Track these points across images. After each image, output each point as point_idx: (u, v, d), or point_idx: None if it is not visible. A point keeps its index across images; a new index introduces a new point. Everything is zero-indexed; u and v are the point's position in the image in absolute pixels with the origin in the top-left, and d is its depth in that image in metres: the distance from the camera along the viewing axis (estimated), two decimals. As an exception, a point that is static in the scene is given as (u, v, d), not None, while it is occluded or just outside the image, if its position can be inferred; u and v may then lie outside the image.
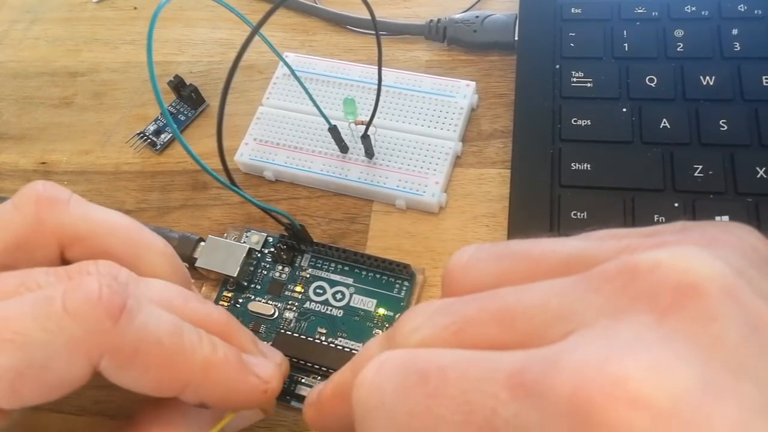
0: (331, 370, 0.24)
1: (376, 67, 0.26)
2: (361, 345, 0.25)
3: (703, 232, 0.13)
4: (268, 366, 0.21)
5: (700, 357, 0.11)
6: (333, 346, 0.25)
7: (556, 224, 0.26)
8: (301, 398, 0.24)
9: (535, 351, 0.12)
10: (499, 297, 0.14)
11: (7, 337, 0.16)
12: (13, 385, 0.16)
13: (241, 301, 0.27)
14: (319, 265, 0.28)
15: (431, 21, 0.34)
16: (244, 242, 0.28)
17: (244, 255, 0.27)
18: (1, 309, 0.16)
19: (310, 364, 0.24)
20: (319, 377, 0.25)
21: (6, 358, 0.16)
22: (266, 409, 0.22)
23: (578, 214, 0.26)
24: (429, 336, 0.14)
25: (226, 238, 0.28)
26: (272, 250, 0.28)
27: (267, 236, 0.29)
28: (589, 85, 0.30)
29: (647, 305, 0.11)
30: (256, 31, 0.20)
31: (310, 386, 0.25)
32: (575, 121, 0.29)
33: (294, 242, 0.27)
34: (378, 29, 0.25)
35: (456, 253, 0.16)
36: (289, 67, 0.28)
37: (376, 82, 0.27)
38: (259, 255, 0.28)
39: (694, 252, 0.12)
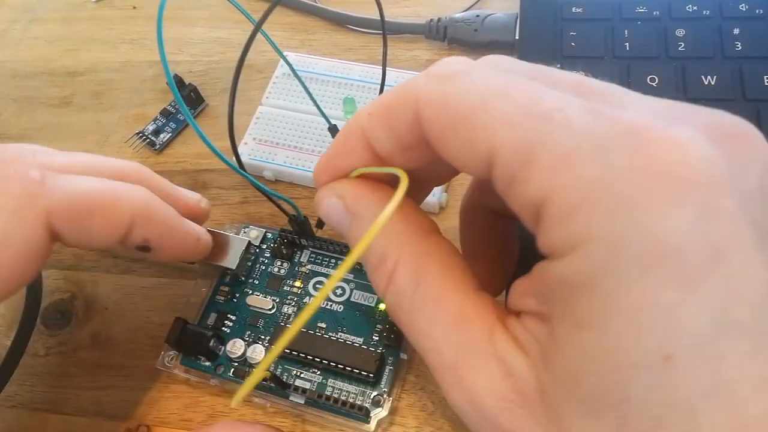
0: (332, 364, 0.24)
1: (377, 67, 0.26)
2: (362, 340, 0.25)
3: None
4: (197, 225, 0.25)
5: (729, 168, 0.13)
6: (335, 339, 0.25)
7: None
8: (300, 391, 0.24)
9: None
10: (579, 75, 0.16)
11: None
12: None
13: (238, 295, 0.27)
14: (319, 261, 0.28)
15: (432, 20, 0.34)
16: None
17: (244, 248, 0.27)
18: None
19: (310, 357, 0.24)
20: (319, 371, 0.25)
21: None
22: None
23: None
24: (506, 72, 0.16)
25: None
26: (271, 245, 0.28)
27: (266, 232, 0.29)
28: (590, 84, 0.29)
29: (703, 126, 0.14)
30: (258, 28, 0.20)
31: (310, 380, 0.25)
32: (576, 120, 0.29)
33: (295, 236, 0.27)
34: (379, 28, 0.25)
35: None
36: (290, 66, 0.28)
37: (376, 81, 0.27)
38: (257, 250, 0.28)
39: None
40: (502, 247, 0.22)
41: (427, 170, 0.19)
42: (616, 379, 0.13)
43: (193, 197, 0.26)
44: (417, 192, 0.21)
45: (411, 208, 0.19)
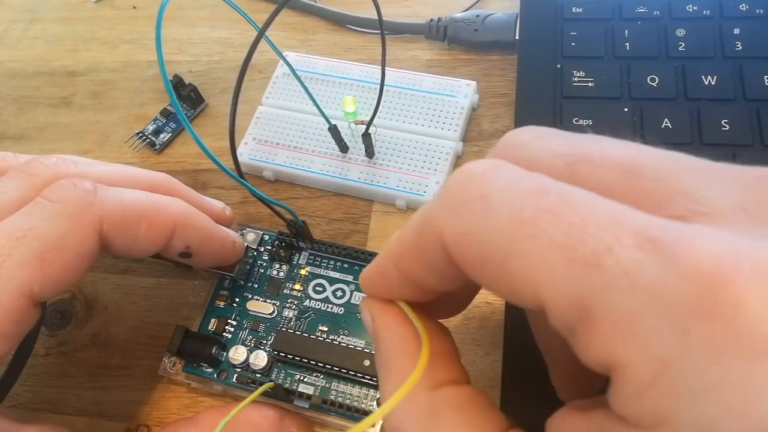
0: (335, 368, 0.24)
1: (376, 67, 0.26)
2: (364, 342, 0.25)
3: None
4: (229, 230, 0.26)
5: None
6: (336, 343, 0.25)
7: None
8: (303, 397, 0.24)
9: (666, 219, 0.11)
10: (628, 147, 0.13)
11: (20, 235, 0.20)
12: (42, 270, 0.20)
13: (238, 300, 0.27)
14: (318, 263, 0.28)
15: (432, 20, 0.34)
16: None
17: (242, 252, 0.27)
18: (7, 222, 0.20)
19: (313, 362, 0.24)
20: (322, 375, 0.25)
21: (27, 250, 0.19)
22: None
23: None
24: (539, 157, 0.13)
25: None
26: (269, 248, 0.28)
27: (263, 234, 0.28)
28: (590, 84, 0.29)
29: None
30: (262, 33, 0.20)
31: (313, 385, 0.25)
32: (576, 120, 0.29)
33: (293, 239, 0.27)
34: (380, 28, 0.25)
35: (514, 132, 0.15)
36: (291, 67, 0.28)
37: (376, 81, 0.27)
38: (255, 253, 0.28)
39: None
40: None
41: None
42: None
43: (218, 205, 0.27)
44: (464, 297, 0.20)
45: (441, 351, 0.17)
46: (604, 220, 0.12)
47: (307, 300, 0.27)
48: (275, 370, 0.25)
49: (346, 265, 0.27)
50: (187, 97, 0.34)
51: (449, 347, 0.17)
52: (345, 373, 0.24)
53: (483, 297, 0.26)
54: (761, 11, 0.30)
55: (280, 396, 0.24)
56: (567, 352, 0.15)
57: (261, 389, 0.23)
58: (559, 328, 0.13)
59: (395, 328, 0.17)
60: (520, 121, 0.29)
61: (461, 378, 0.17)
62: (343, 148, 0.30)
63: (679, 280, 0.11)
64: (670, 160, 0.13)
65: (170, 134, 0.34)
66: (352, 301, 0.26)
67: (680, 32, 0.30)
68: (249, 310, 0.27)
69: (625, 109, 0.28)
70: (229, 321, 0.27)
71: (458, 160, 0.30)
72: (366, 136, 0.29)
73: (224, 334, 0.26)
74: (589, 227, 0.12)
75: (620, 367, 0.11)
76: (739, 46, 0.29)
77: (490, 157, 0.14)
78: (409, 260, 0.16)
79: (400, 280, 0.16)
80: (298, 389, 0.25)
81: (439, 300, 0.17)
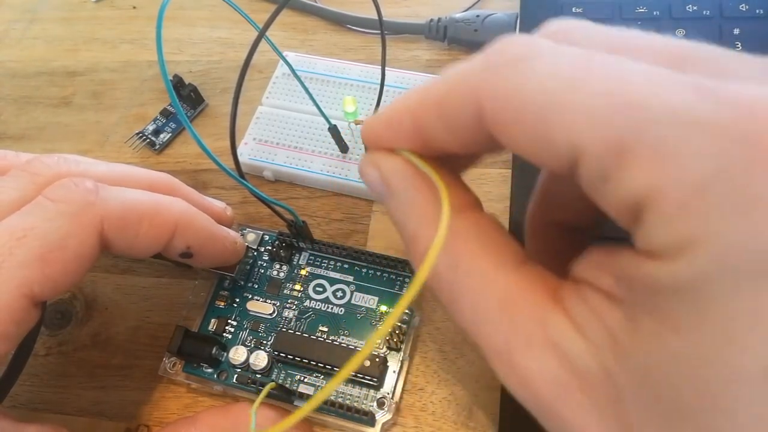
0: (335, 369, 0.24)
1: (376, 67, 0.26)
2: (364, 343, 0.25)
3: None
4: (230, 230, 0.26)
5: None
6: (337, 343, 0.25)
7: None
8: (304, 398, 0.24)
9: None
10: (668, 38, 0.14)
11: (21, 234, 0.19)
12: (43, 271, 0.20)
13: (238, 300, 0.27)
14: (318, 263, 0.28)
15: (432, 20, 0.34)
16: (242, 241, 0.28)
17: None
18: (8, 221, 0.20)
19: (313, 363, 0.24)
20: (322, 376, 0.25)
21: (28, 250, 0.19)
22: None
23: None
24: (582, 39, 0.14)
25: None
26: (269, 248, 0.28)
27: (263, 234, 0.28)
28: (590, 84, 0.29)
29: None
30: (262, 34, 0.20)
31: (314, 385, 0.25)
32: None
33: (293, 240, 0.27)
34: (380, 28, 0.25)
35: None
36: (291, 67, 0.28)
37: (376, 81, 0.27)
38: (255, 253, 0.28)
39: None
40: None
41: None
42: (711, 390, 0.12)
43: (219, 205, 0.27)
44: (465, 162, 0.20)
45: (452, 183, 0.17)
46: (646, 72, 0.12)
47: (308, 300, 0.27)
48: (275, 370, 0.25)
49: (346, 266, 0.27)
50: (187, 97, 0.34)
51: (457, 177, 0.18)
52: None
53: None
54: (761, 11, 0.30)
55: (281, 396, 0.24)
56: (561, 252, 0.17)
57: (265, 390, 0.23)
58: (588, 180, 0.13)
59: (408, 177, 0.17)
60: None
61: (477, 204, 0.17)
62: (343, 148, 0.30)
63: (719, 112, 0.11)
64: (715, 50, 0.14)
65: (170, 134, 0.34)
66: (353, 301, 0.26)
67: (680, 32, 0.30)
68: (249, 311, 0.27)
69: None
70: (229, 321, 0.27)
71: (458, 160, 0.30)
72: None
73: (224, 334, 0.26)
74: (633, 77, 0.12)
75: (654, 194, 0.12)
76: (740, 47, 0.29)
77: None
78: (431, 115, 0.15)
79: (412, 133, 0.16)
80: (299, 389, 0.25)
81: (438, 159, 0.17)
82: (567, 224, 0.19)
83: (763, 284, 0.11)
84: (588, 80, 0.13)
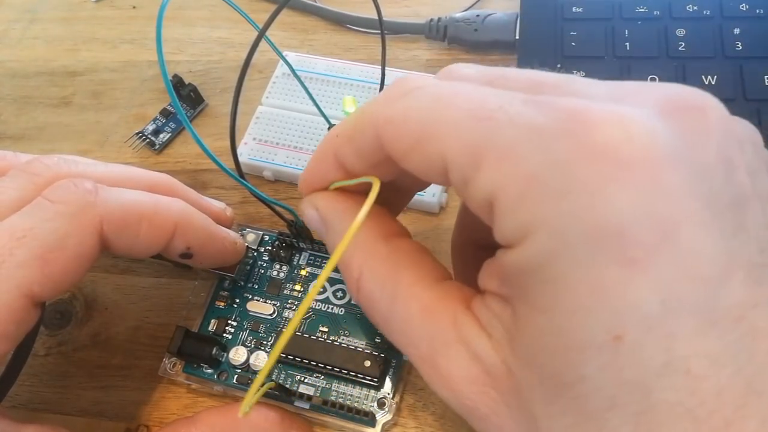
0: (335, 369, 0.24)
1: (376, 67, 0.26)
2: (365, 343, 0.25)
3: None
4: (230, 230, 0.26)
5: (681, 140, 0.13)
6: (337, 344, 0.25)
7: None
8: (304, 398, 0.24)
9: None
10: (535, 71, 0.17)
11: (21, 235, 0.20)
12: (42, 271, 0.20)
13: (238, 300, 0.27)
14: (318, 263, 0.27)
15: (432, 20, 0.34)
16: (241, 241, 0.28)
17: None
18: (8, 222, 0.20)
19: (314, 363, 0.24)
20: (323, 376, 0.25)
21: (28, 250, 0.19)
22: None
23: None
24: (465, 76, 0.17)
25: None
26: (269, 248, 0.28)
27: (263, 234, 0.28)
28: (590, 84, 0.29)
29: (654, 101, 0.14)
30: (262, 34, 0.20)
31: (314, 386, 0.25)
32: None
33: (293, 240, 0.27)
34: (380, 28, 0.25)
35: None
36: (290, 67, 0.27)
37: (376, 81, 0.27)
38: (255, 254, 0.28)
39: (712, 98, 0.15)
40: None
41: (403, 180, 0.20)
42: (570, 359, 0.14)
43: (219, 206, 0.27)
44: (400, 199, 0.23)
45: (378, 214, 0.20)
46: (499, 94, 0.15)
47: (308, 300, 0.27)
48: (275, 370, 0.25)
49: (346, 265, 0.27)
50: (186, 97, 0.34)
51: (388, 213, 0.21)
52: (345, 373, 0.24)
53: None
54: (761, 11, 0.30)
55: (281, 397, 0.24)
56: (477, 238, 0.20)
57: (263, 389, 0.23)
58: (456, 185, 0.16)
59: (340, 210, 0.20)
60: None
61: (405, 233, 0.20)
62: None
63: (548, 117, 0.14)
64: (568, 76, 0.16)
65: (170, 134, 0.34)
66: (353, 302, 0.26)
67: (680, 32, 0.30)
68: (249, 311, 0.27)
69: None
70: (229, 322, 0.27)
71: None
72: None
73: (224, 334, 0.26)
74: (488, 98, 0.15)
75: (498, 190, 0.14)
76: (740, 46, 0.29)
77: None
78: (346, 146, 0.19)
79: (335, 166, 0.19)
80: (299, 390, 0.25)
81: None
82: (481, 243, 0.21)
83: (593, 258, 0.13)
84: (454, 102, 0.15)
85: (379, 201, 0.19)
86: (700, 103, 0.14)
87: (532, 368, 0.15)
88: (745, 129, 0.15)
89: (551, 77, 0.16)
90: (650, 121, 0.13)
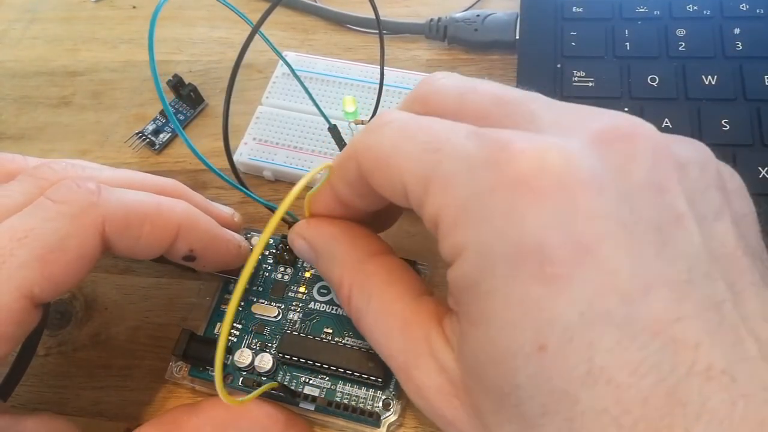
0: (340, 370, 0.24)
1: (376, 66, 0.26)
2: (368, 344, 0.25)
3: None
4: (236, 234, 0.26)
5: (605, 167, 0.15)
6: (342, 345, 0.25)
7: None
8: (309, 399, 0.24)
9: (498, 127, 0.16)
10: (503, 86, 0.18)
11: (22, 236, 0.19)
12: (42, 272, 0.20)
13: (243, 303, 0.27)
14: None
15: (432, 20, 0.34)
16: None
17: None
18: (9, 222, 0.20)
19: (318, 364, 0.24)
20: (327, 377, 0.25)
21: (28, 251, 0.19)
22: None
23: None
24: (443, 87, 0.19)
25: None
26: (273, 251, 0.28)
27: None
28: (590, 84, 0.29)
29: (588, 131, 0.16)
30: (256, 30, 0.20)
31: (319, 387, 0.24)
32: (576, 120, 0.29)
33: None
34: (378, 28, 0.25)
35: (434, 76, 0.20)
36: (289, 66, 0.27)
37: (376, 81, 0.27)
38: (259, 257, 0.28)
39: (645, 124, 0.16)
40: None
41: (389, 207, 0.21)
42: (504, 369, 0.15)
43: (227, 211, 0.27)
44: (383, 222, 0.24)
45: (362, 235, 0.22)
46: (450, 127, 0.17)
47: (312, 302, 0.27)
48: (280, 372, 0.25)
49: (346, 266, 0.27)
50: (186, 96, 0.34)
51: (372, 232, 0.23)
52: (350, 374, 0.24)
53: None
54: (761, 11, 0.30)
55: (286, 399, 0.24)
56: None
57: (263, 388, 0.23)
58: (415, 209, 0.17)
59: (326, 234, 0.22)
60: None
61: (388, 250, 0.22)
62: (343, 148, 0.30)
63: (481, 148, 0.16)
64: (530, 95, 0.18)
65: (170, 134, 0.34)
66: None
67: (680, 32, 0.30)
68: (254, 314, 0.27)
69: (626, 109, 0.28)
70: (234, 324, 0.26)
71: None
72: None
73: (230, 337, 0.26)
74: (440, 133, 0.17)
75: (440, 215, 0.16)
76: (740, 46, 0.29)
77: (413, 92, 0.20)
78: (337, 175, 0.20)
79: (333, 198, 0.21)
80: (304, 391, 0.24)
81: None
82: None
83: (514, 274, 0.14)
84: (415, 135, 0.17)
85: (366, 222, 0.22)
86: (631, 131, 0.16)
87: (477, 379, 0.16)
88: (690, 152, 0.16)
89: (512, 96, 0.18)
90: (572, 151, 0.15)
